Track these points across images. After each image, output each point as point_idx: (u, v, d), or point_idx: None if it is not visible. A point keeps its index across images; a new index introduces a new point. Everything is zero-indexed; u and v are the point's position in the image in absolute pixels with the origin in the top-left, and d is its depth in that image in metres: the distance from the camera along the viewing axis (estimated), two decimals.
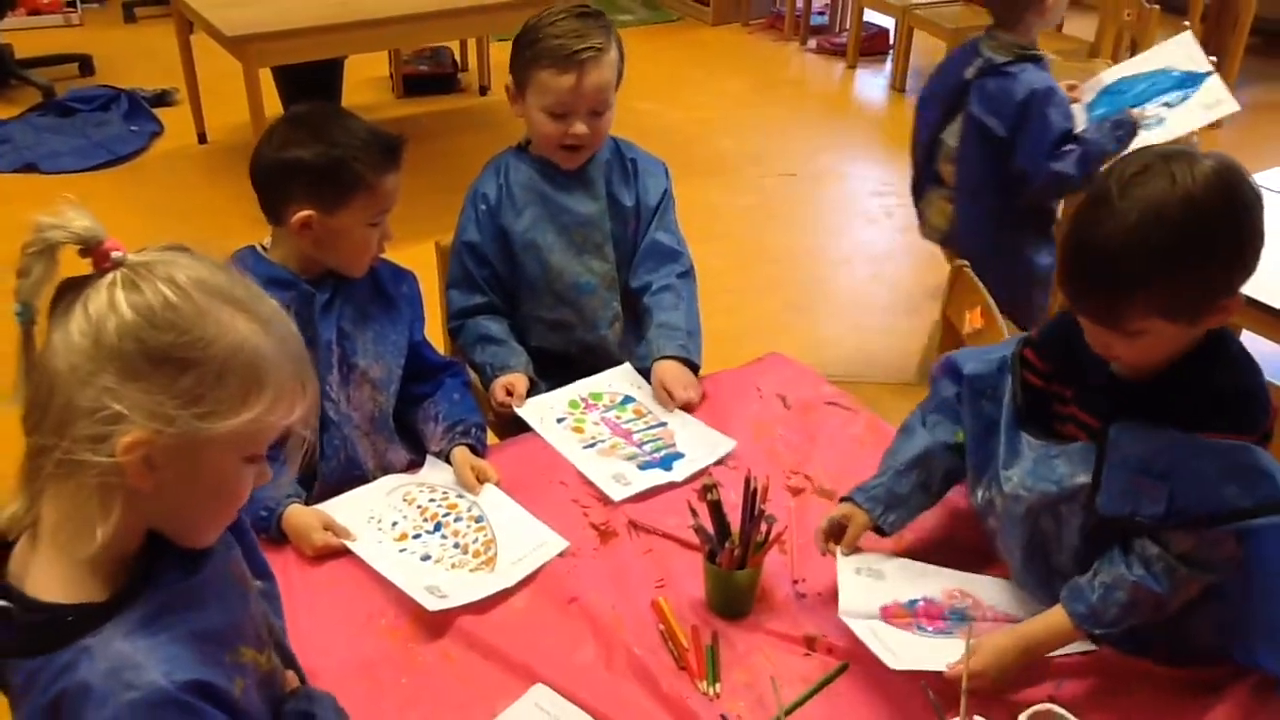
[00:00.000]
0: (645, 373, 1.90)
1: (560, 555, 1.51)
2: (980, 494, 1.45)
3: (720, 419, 1.80)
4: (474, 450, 1.67)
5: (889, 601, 1.40)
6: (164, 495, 0.89)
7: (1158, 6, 4.22)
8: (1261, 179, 2.72)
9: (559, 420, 1.80)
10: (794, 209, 4.31)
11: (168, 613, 0.91)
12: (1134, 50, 4.52)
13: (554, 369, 1.98)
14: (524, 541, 1.54)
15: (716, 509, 1.42)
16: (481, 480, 1.63)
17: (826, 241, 4.09)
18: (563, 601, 1.44)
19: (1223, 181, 1.17)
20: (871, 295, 3.71)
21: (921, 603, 1.41)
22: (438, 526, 1.56)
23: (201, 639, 0.93)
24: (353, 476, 1.63)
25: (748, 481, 1.42)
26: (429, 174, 4.38)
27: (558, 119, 1.86)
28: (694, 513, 1.43)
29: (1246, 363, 1.28)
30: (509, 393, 1.84)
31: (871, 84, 5.68)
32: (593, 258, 1.98)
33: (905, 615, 1.39)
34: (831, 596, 1.44)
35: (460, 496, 1.62)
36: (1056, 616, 1.31)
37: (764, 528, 1.42)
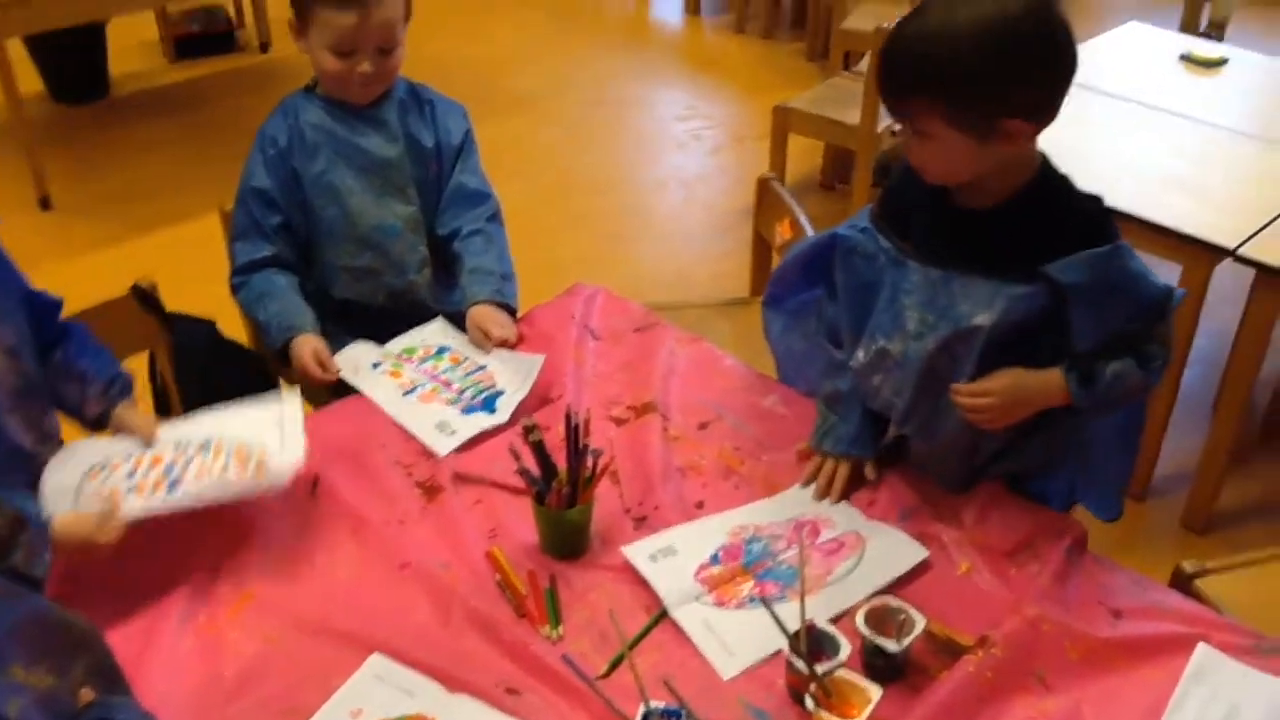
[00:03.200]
0: (459, 319, 1.83)
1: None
2: (863, 353, 1.48)
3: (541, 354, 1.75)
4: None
5: (696, 568, 1.36)
6: None
7: None
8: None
9: (374, 365, 1.73)
10: (602, 138, 4.26)
11: None
12: None
13: (361, 321, 1.89)
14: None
15: (539, 449, 1.38)
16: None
17: (638, 169, 4.06)
18: (392, 568, 1.37)
19: (1038, 9, 1.25)
20: (687, 219, 3.71)
21: (720, 553, 1.39)
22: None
23: None
24: (6, 453, 1.39)
25: (568, 417, 1.38)
26: (211, 141, 4.13)
27: (343, 57, 1.77)
28: (517, 456, 1.38)
29: (1075, 188, 1.37)
30: (322, 366, 1.74)
31: (667, 8, 5.65)
32: (395, 200, 1.89)
33: (720, 574, 1.35)
34: (665, 522, 1.44)
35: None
36: (1054, 379, 1.36)
37: (590, 462, 1.38)
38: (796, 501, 1.49)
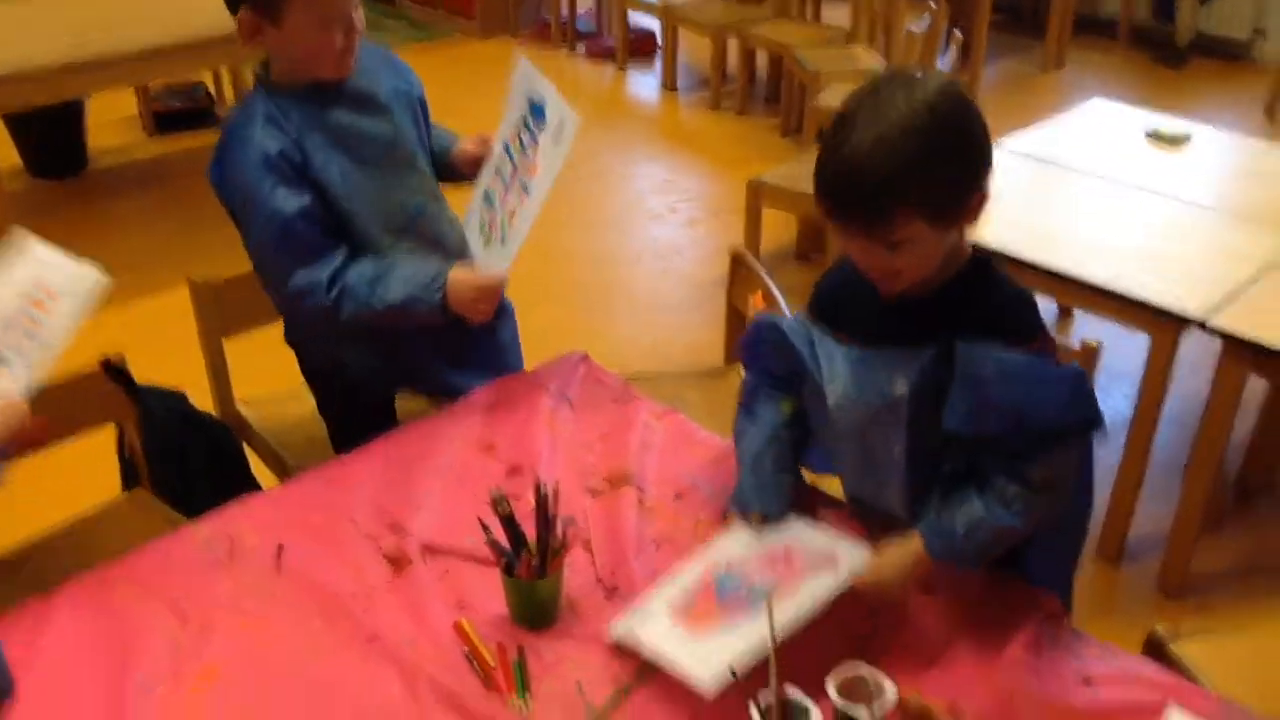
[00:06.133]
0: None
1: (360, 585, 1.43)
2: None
3: (517, 424, 1.75)
4: None
5: (670, 614, 1.35)
6: None
7: None
8: (1008, 143, 2.88)
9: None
10: (580, 212, 4.30)
11: None
12: (888, 35, 4.74)
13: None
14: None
15: (509, 521, 1.37)
16: None
17: (615, 242, 4.10)
18: (359, 642, 1.35)
19: (953, 91, 1.28)
20: (664, 290, 3.74)
21: (695, 595, 1.37)
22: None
23: None
24: None
25: (537, 488, 1.38)
26: (186, 214, 4.14)
27: (330, 28, 1.66)
28: (486, 528, 1.37)
29: (1008, 279, 1.37)
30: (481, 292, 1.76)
31: (643, 84, 5.75)
32: (410, 175, 1.82)
33: (694, 612, 1.34)
34: (636, 591, 1.42)
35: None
36: (915, 546, 1.36)
37: (560, 532, 1.38)
38: (768, 532, 1.47)
